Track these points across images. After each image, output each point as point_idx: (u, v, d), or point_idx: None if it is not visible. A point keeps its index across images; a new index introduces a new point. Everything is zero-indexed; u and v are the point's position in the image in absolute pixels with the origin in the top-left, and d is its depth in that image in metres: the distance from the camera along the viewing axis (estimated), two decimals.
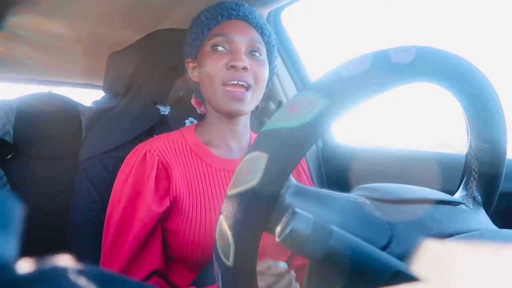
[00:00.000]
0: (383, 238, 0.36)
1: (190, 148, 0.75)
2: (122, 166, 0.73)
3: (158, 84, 0.97)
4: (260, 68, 0.72)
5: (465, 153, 0.49)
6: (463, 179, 0.50)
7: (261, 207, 0.33)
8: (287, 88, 1.24)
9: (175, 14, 1.18)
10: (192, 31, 0.76)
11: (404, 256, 0.34)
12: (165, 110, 0.97)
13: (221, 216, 0.35)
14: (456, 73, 0.39)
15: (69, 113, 1.00)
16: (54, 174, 0.96)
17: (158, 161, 0.70)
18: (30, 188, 0.93)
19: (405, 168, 1.02)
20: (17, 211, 0.15)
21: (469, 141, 0.47)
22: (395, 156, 1.09)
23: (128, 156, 0.74)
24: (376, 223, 0.37)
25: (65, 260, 0.15)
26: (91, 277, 0.15)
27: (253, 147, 0.34)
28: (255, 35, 0.74)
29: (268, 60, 0.77)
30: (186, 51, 0.79)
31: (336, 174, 1.22)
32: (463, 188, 0.49)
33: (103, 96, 1.08)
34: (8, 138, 0.93)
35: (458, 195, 0.49)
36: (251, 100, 0.72)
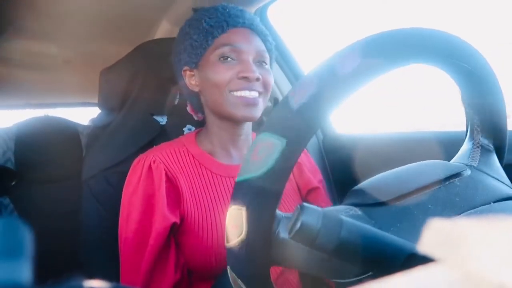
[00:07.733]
0: None
1: (193, 157, 0.73)
2: (127, 179, 0.71)
3: (152, 95, 0.97)
4: (268, 77, 0.72)
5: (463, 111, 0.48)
6: (467, 133, 0.49)
7: (256, 252, 0.35)
8: (282, 85, 1.24)
9: (162, 25, 1.18)
10: (193, 39, 0.72)
11: None
12: (162, 120, 0.97)
13: (228, 266, 0.37)
14: (417, 50, 0.37)
15: (67, 134, 1.00)
16: (59, 195, 0.96)
17: (164, 173, 0.68)
18: (37, 212, 0.93)
19: (407, 151, 1.02)
20: (27, 236, 0.15)
21: (462, 98, 0.47)
22: (396, 139, 1.09)
23: (131, 168, 0.72)
24: None
25: (83, 280, 0.15)
26: None
27: (232, 200, 0.35)
28: (260, 43, 0.73)
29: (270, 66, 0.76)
30: (183, 59, 0.75)
31: (340, 165, 1.22)
32: (469, 139, 0.49)
33: (100, 113, 1.08)
34: (10, 165, 0.93)
35: (465, 147, 0.48)
36: (262, 106, 0.72)
